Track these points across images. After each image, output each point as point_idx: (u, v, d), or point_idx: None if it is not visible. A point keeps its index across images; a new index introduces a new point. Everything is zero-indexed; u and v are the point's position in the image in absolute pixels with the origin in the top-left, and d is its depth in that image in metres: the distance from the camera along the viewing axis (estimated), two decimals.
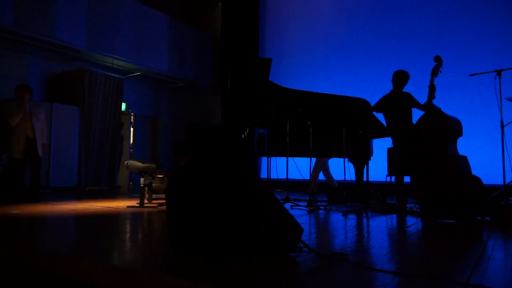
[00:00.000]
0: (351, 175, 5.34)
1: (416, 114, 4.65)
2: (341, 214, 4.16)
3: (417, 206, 4.42)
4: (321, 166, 6.53)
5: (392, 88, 4.92)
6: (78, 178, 7.78)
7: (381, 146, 6.47)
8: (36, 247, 2.25)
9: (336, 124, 5.06)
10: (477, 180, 3.63)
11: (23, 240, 2.54)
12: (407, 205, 4.67)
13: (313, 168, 6.53)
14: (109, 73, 8.57)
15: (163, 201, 5.08)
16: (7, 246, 2.39)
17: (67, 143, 7.63)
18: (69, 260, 2.00)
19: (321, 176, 6.60)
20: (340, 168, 5.26)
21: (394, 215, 4.18)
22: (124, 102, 9.17)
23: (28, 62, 7.83)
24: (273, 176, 5.97)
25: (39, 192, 5.75)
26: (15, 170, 5.61)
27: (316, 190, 6.43)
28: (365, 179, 5.12)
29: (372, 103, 5.04)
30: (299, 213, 4.25)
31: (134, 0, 9.07)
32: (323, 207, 4.84)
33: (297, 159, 5.54)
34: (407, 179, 4.73)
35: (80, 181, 7.80)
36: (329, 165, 6.61)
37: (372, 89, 7.85)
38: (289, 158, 5.00)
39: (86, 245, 2.46)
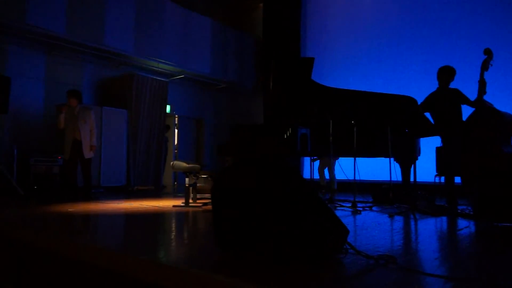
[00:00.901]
0: (397, 175, 5.18)
1: (466, 111, 4.44)
2: (387, 215, 4.05)
3: (469, 208, 4.21)
4: (326, 163, 6.50)
5: (438, 85, 4.72)
6: (127, 178, 8.10)
7: (429, 146, 6.23)
8: (88, 243, 2.37)
9: (381, 123, 4.93)
10: None
11: (76, 237, 2.68)
12: (458, 207, 4.46)
13: (318, 166, 6.60)
14: (154, 77, 8.85)
15: (208, 200, 5.18)
16: (61, 242, 2.52)
17: (117, 145, 7.96)
18: (119, 255, 2.08)
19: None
20: (386, 168, 5.11)
21: (444, 218, 4.00)
22: (169, 104, 9.44)
23: (80, 68, 8.26)
24: (316, 176, 5.90)
25: (91, 191, 5.98)
26: (65, 171, 5.89)
27: (335, 186, 6.35)
28: (412, 179, 4.94)
29: (419, 101, 4.86)
30: (343, 214, 4.18)
31: (179, 5, 9.32)
32: (368, 208, 4.73)
33: (341, 159, 5.45)
34: (457, 179, 4.52)
35: (129, 181, 8.12)
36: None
37: (420, 86, 7.59)
38: (332, 157, 4.92)
39: (135, 242, 2.55)
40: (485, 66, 4.13)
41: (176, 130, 10.42)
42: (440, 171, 5.68)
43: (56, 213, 3.98)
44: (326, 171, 6.73)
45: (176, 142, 10.41)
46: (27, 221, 3.35)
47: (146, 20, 8.52)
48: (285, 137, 4.29)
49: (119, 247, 2.34)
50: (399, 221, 3.68)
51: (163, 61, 8.94)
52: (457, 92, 4.54)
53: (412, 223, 3.61)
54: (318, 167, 6.87)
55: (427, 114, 4.85)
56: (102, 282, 2.17)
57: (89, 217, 3.86)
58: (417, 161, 5.01)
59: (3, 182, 5.90)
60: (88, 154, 5.84)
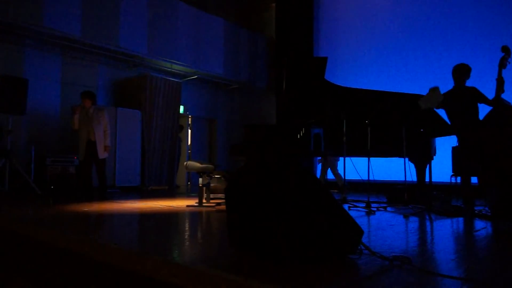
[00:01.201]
0: (412, 175, 5.12)
1: (482, 110, 4.37)
2: (402, 216, 4.01)
3: (487, 209, 4.14)
4: (329, 163, 6.46)
5: (454, 84, 4.64)
6: (141, 178, 8.18)
7: (445, 145, 6.14)
8: (103, 242, 2.40)
9: (395, 123, 4.88)
10: None
11: (91, 236, 2.71)
12: (475, 208, 4.39)
13: (321, 167, 6.59)
14: (168, 77, 8.92)
15: (221, 200, 5.20)
16: (77, 241, 2.56)
17: (131, 145, 8.04)
18: (134, 255, 2.10)
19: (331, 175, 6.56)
20: (400, 168, 5.06)
21: (461, 219, 3.94)
22: (182, 104, 9.50)
23: (95, 69, 8.37)
24: (330, 176, 5.87)
25: (106, 191, 6.03)
26: (80, 171, 5.97)
27: (344, 183, 6.27)
28: (427, 179, 4.88)
29: None
30: (357, 214, 4.14)
31: (191, 6, 9.38)
32: (382, 209, 4.68)
33: (354, 159, 5.42)
34: (474, 179, 4.45)
35: (143, 181, 8.20)
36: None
37: (434, 84, 7.49)
38: (346, 158, 4.89)
39: (150, 242, 2.58)
40: (502, 64, 4.04)
41: (189, 131, 10.48)
42: (456, 171, 5.60)
43: (72, 213, 4.04)
44: (329, 171, 6.74)
45: (189, 142, 10.48)
46: (44, 221, 3.41)
47: (159, 21, 8.60)
48: (298, 137, 4.28)
49: (134, 247, 2.37)
50: (414, 222, 3.64)
51: (176, 62, 9.01)
52: (474, 90, 4.46)
53: (428, 224, 3.57)
54: (321, 168, 6.88)
55: (442, 114, 4.79)
56: (117, 281, 2.19)
57: (104, 217, 3.90)
58: (432, 161, 4.95)
59: (21, 182, 6.01)
60: (102, 154, 5.88)
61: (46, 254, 2.86)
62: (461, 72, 4.54)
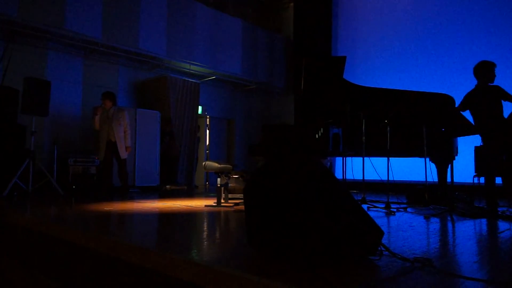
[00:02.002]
0: (433, 175, 5.03)
1: (506, 109, 4.26)
2: (423, 217, 3.94)
3: (511, 210, 4.03)
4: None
5: (477, 83, 4.53)
6: (160, 178, 8.27)
7: (467, 145, 6.01)
8: (123, 241, 2.44)
9: (415, 122, 4.80)
10: None
11: (112, 234, 2.76)
12: (499, 209, 4.28)
13: None
14: (186, 78, 9.01)
15: (239, 201, 5.21)
16: (98, 239, 2.61)
17: (150, 146, 8.14)
18: (154, 253, 2.13)
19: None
20: (421, 168, 4.97)
21: (484, 220, 3.85)
22: (200, 105, 9.57)
23: (115, 71, 8.52)
24: (349, 177, 5.82)
25: (128, 191, 6.14)
26: (101, 171, 6.11)
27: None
28: (449, 180, 4.78)
29: (456, 99, 4.70)
30: (377, 215, 4.09)
31: (209, 7, 9.44)
32: (402, 209, 4.61)
33: (373, 159, 5.35)
34: (498, 180, 4.34)
35: (162, 181, 8.29)
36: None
37: (456, 84, 7.35)
38: (365, 158, 4.84)
39: (169, 241, 2.60)
40: None
41: (207, 131, 10.55)
42: (479, 171, 5.47)
43: (94, 212, 4.12)
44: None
45: (207, 143, 10.55)
46: (67, 220, 3.49)
47: (178, 23, 8.68)
48: (317, 137, 4.25)
49: (154, 245, 2.40)
50: (435, 223, 3.57)
51: (194, 63, 9.08)
52: (498, 88, 4.34)
53: (450, 225, 3.50)
54: None
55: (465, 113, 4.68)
56: (137, 279, 2.23)
57: (124, 216, 3.97)
58: (454, 161, 4.85)
59: (44, 182, 6.15)
60: (124, 154, 5.98)
61: (69, 253, 2.92)
62: (485, 69, 4.42)
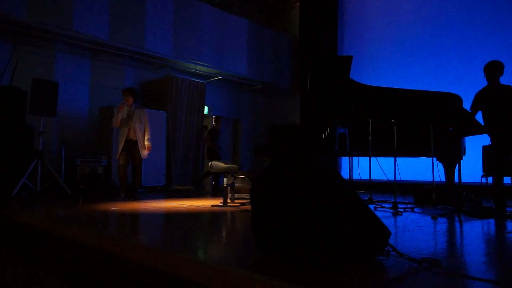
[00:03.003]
0: (440, 175, 5.00)
1: None
2: (430, 217, 3.92)
3: None
4: None
5: (487, 82, 4.49)
6: (166, 178, 8.30)
7: (475, 144, 5.97)
8: (130, 241, 2.45)
9: (422, 122, 4.77)
10: None
11: (119, 234, 2.77)
12: (507, 209, 4.24)
13: None
14: (192, 78, 9.03)
15: (245, 200, 5.22)
16: (105, 239, 2.63)
17: (157, 146, 8.16)
18: (160, 253, 2.14)
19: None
20: (428, 168, 4.94)
21: (492, 220, 3.82)
22: (206, 105, 9.59)
23: (122, 72, 8.56)
24: (355, 176, 5.80)
25: (137, 191, 5.85)
26: (118, 170, 5.74)
27: None
28: (457, 180, 4.75)
29: (463, 98, 4.66)
30: (384, 215, 4.08)
31: (215, 7, 9.46)
32: (409, 209, 4.59)
33: (380, 158, 5.33)
34: (506, 180, 4.30)
35: (168, 181, 8.32)
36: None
37: (463, 84, 7.30)
38: (372, 158, 4.82)
39: (176, 241, 2.61)
40: None
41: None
42: (487, 171, 5.43)
43: (101, 212, 4.14)
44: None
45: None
46: (75, 220, 3.51)
47: (184, 23, 8.71)
48: (323, 137, 4.24)
49: (160, 245, 2.41)
50: (443, 223, 3.55)
51: (200, 63, 9.10)
52: (509, 88, 4.31)
53: (457, 225, 3.48)
54: None
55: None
56: (144, 279, 2.24)
57: (132, 216, 3.99)
58: (462, 160, 4.82)
59: (52, 182, 6.20)
60: (144, 154, 5.67)
61: (76, 252, 2.94)
62: (495, 69, 4.39)
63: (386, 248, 2.00)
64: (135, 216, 4.00)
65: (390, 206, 4.60)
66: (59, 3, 6.91)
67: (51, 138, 7.33)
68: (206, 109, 9.65)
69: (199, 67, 9.35)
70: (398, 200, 4.63)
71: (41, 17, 6.74)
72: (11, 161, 5.90)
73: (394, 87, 5.15)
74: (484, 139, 4.89)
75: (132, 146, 5.61)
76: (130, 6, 7.86)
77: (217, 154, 8.09)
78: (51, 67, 7.51)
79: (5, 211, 4.40)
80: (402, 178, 6.22)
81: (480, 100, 4.47)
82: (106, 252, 2.58)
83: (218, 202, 5.18)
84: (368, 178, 4.94)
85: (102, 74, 8.22)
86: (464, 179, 4.85)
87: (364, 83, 4.95)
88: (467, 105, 4.69)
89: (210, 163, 5.23)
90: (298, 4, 11.21)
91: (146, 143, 5.73)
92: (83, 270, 2.84)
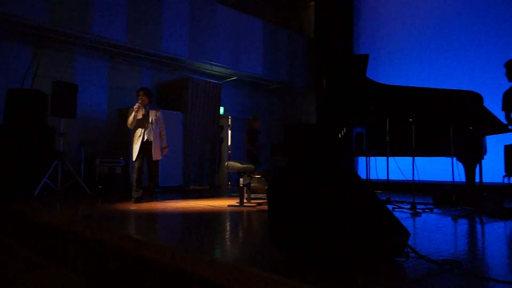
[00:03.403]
0: (460, 175, 4.90)
1: None
2: (450, 218, 3.85)
3: None
4: None
5: (508, 81, 4.38)
6: (183, 178, 8.36)
7: (497, 143, 5.84)
8: (148, 240, 2.48)
9: (442, 121, 4.69)
10: None
11: (137, 234, 2.81)
12: None
13: None
14: (208, 79, 9.08)
15: (261, 200, 5.22)
16: (124, 238, 2.66)
17: (173, 146, 8.24)
18: (178, 252, 2.16)
19: None
20: (448, 168, 4.86)
21: None
22: (222, 105, 9.63)
23: (139, 73, 8.67)
24: (373, 177, 5.73)
25: (153, 192, 5.76)
26: (136, 170, 5.50)
27: None
28: (477, 180, 4.65)
29: (484, 96, 4.56)
30: (402, 216, 4.02)
31: (230, 8, 9.50)
32: (428, 210, 4.52)
33: (398, 158, 5.27)
34: None
35: (185, 181, 8.38)
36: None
37: (483, 83, 7.15)
38: (389, 157, 4.77)
39: (193, 240, 2.63)
40: None
41: (229, 131, 10.60)
42: (509, 171, 5.30)
43: (119, 211, 4.20)
44: None
45: (229, 143, 10.60)
46: (94, 219, 3.57)
47: (200, 24, 8.77)
48: (340, 136, 4.21)
49: (178, 245, 2.43)
50: (463, 224, 3.49)
51: (216, 63, 9.15)
52: None
53: (479, 226, 3.41)
54: None
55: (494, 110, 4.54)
56: (161, 277, 2.26)
57: (149, 216, 4.03)
58: (483, 160, 4.72)
59: (72, 181, 6.32)
60: (158, 155, 5.56)
61: (95, 250, 2.99)
62: None
63: (406, 250, 1.97)
64: (153, 215, 4.04)
65: (409, 206, 4.53)
66: (78, 8, 7.04)
67: (71, 139, 7.47)
68: (221, 109, 9.69)
69: (214, 68, 9.40)
70: (417, 201, 4.56)
71: (61, 22, 6.88)
72: (33, 161, 6.04)
73: (413, 86, 5.08)
74: (507, 138, 4.77)
75: (148, 147, 5.48)
76: (147, 9, 7.96)
77: (257, 159, 7.57)
78: (71, 69, 7.65)
79: (28, 210, 4.51)
80: (421, 178, 6.13)
81: (507, 101, 4.37)
82: (124, 250, 2.62)
83: (234, 202, 5.20)
84: (386, 178, 4.88)
85: (120, 76, 8.34)
86: (485, 179, 4.74)
87: (381, 82, 4.90)
88: (488, 103, 4.59)
89: (226, 163, 5.25)
90: (313, 3, 11.16)
91: (164, 145, 5.67)
92: (102, 268, 2.88)
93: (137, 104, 5.51)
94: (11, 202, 5.21)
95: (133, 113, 5.46)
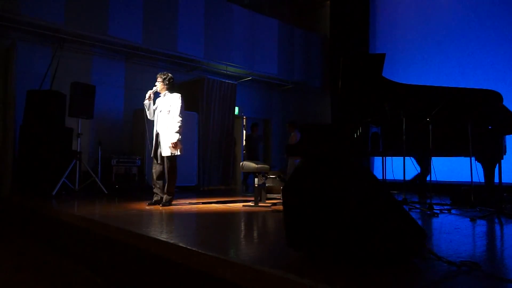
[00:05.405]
0: (479, 176, 4.80)
1: None
2: (468, 219, 3.78)
3: None
4: (292, 165, 6.34)
5: None
6: (198, 178, 8.41)
7: None
8: (164, 239, 2.50)
9: (460, 120, 4.61)
10: None
11: (153, 232, 2.83)
12: None
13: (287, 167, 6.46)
14: (223, 80, 9.12)
15: (276, 201, 5.21)
16: (139, 237, 2.69)
17: (189, 147, 8.29)
18: (193, 252, 2.17)
19: None
20: (465, 168, 4.77)
21: None
22: (237, 106, 9.65)
23: (155, 74, 8.71)
24: (389, 177, 5.67)
25: (165, 200, 5.16)
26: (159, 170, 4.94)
27: None
28: (497, 180, 4.55)
29: (504, 95, 4.47)
30: (419, 216, 3.97)
31: (245, 9, 9.52)
32: (446, 211, 4.45)
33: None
34: None
35: (199, 181, 8.43)
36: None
37: (501, 81, 7.01)
38: (406, 157, 4.70)
39: (208, 240, 2.65)
40: None
41: (244, 131, 10.62)
42: None
43: (135, 211, 4.25)
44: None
45: (244, 143, 10.62)
46: (111, 218, 3.62)
47: (215, 25, 8.82)
48: (356, 136, 4.18)
49: (194, 244, 2.44)
50: (482, 225, 3.42)
51: (231, 64, 9.18)
52: None
53: (498, 228, 3.34)
54: (287, 168, 6.79)
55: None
56: (177, 276, 2.28)
57: (164, 215, 4.07)
58: (502, 160, 4.62)
59: (89, 181, 6.43)
60: (165, 151, 4.84)
61: (113, 249, 3.03)
62: None
63: (423, 251, 1.94)
64: (168, 215, 4.08)
65: (426, 207, 4.47)
66: (95, 10, 7.16)
67: (88, 139, 7.60)
68: (236, 109, 9.71)
69: (230, 68, 9.43)
70: (434, 201, 4.49)
71: (79, 24, 7.01)
72: (52, 161, 6.16)
73: (430, 84, 5.01)
74: None
75: (159, 141, 4.84)
76: (162, 10, 8.05)
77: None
78: (88, 71, 7.78)
79: (46, 209, 4.61)
80: (438, 179, 6.03)
81: None
82: (140, 250, 2.65)
83: (249, 202, 5.20)
84: (402, 178, 4.82)
85: (136, 77, 8.44)
86: (505, 179, 4.65)
87: (397, 81, 4.84)
88: (507, 102, 4.49)
89: (241, 163, 5.26)
90: (329, 2, 11.10)
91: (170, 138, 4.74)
92: (118, 266, 2.92)
93: (155, 88, 5.36)
94: (29, 201, 5.33)
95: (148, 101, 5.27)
